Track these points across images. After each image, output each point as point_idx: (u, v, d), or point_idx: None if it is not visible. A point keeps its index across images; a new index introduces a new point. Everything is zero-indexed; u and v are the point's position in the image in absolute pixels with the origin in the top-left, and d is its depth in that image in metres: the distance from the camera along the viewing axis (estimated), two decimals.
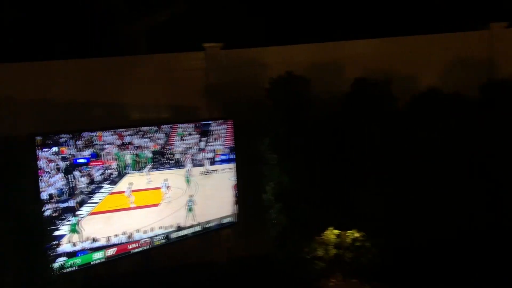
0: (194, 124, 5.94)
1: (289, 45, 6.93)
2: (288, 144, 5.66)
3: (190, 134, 5.95)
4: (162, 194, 5.64)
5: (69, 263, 4.67)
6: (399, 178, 5.88)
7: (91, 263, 4.96)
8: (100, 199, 5.16)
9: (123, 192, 5.36)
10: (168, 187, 5.70)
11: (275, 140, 5.73)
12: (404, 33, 7.07)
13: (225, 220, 6.17)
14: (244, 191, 6.33)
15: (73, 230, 4.89)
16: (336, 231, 6.03)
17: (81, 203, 4.98)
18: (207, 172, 6.08)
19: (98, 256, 5.01)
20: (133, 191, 5.42)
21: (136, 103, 6.59)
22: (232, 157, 6.23)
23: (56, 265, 4.24)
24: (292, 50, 6.92)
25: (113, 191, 5.29)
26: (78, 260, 4.82)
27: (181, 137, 5.87)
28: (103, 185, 5.19)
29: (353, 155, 5.84)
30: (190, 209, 5.84)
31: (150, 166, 5.57)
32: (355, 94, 6.00)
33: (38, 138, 4.58)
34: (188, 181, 5.89)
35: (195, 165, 5.96)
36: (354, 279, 6.02)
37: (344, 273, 6.08)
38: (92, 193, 5.09)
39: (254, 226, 6.47)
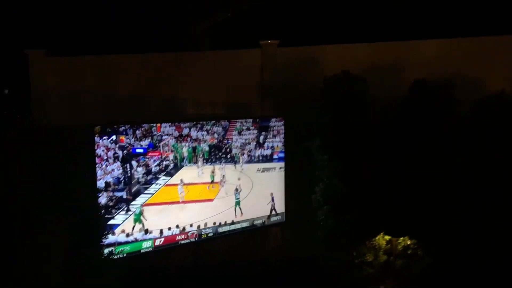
0: (251, 120, 5.96)
1: (347, 43, 6.78)
2: (340, 145, 5.51)
3: (248, 129, 5.95)
4: (217, 189, 5.71)
5: (119, 249, 4.82)
6: (460, 187, 5.56)
7: (141, 251, 5.09)
8: (155, 191, 5.27)
9: (178, 184, 5.44)
10: (223, 182, 5.75)
11: (327, 140, 5.60)
12: (470, 34, 6.70)
13: (273, 219, 6.14)
14: (294, 191, 6.27)
15: (137, 219, 5.05)
16: (387, 237, 5.82)
17: (137, 194, 5.10)
18: (263, 170, 6.07)
19: (147, 245, 5.14)
20: (188, 184, 5.50)
21: (193, 97, 6.71)
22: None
23: (106, 250, 4.37)
24: (350, 49, 6.77)
25: (168, 183, 5.38)
26: (127, 248, 4.96)
27: (239, 131, 5.89)
28: (159, 176, 5.29)
29: (410, 160, 5.59)
30: (237, 203, 5.86)
31: (206, 160, 5.62)
32: (414, 96, 5.75)
33: (97, 127, 4.75)
34: (242, 176, 5.91)
35: (251, 161, 5.97)
36: None
37: (394, 281, 5.86)
38: (147, 183, 5.20)
39: (302, 226, 6.40)
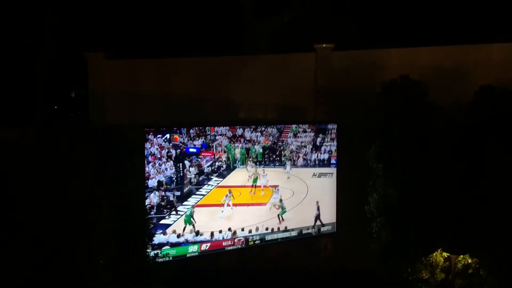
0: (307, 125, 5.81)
1: (406, 47, 6.45)
2: (398, 154, 5.20)
3: (304, 131, 5.78)
4: (270, 193, 5.61)
5: (164, 253, 4.80)
6: None
7: (187, 255, 5.07)
8: (207, 192, 5.24)
9: (230, 186, 5.40)
10: (276, 187, 5.63)
11: (383, 148, 5.31)
12: None
13: (324, 229, 5.92)
14: (347, 200, 6.02)
15: (187, 221, 5.05)
16: (446, 254, 5.42)
17: (189, 194, 5.09)
18: (319, 175, 5.89)
19: (193, 249, 5.11)
20: (240, 186, 5.46)
21: (247, 101, 6.65)
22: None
23: (151, 253, 4.36)
24: (410, 52, 6.45)
25: (220, 184, 5.33)
26: (173, 251, 4.95)
27: (295, 134, 5.73)
28: (211, 177, 5.26)
29: (475, 172, 5.18)
30: (283, 212, 5.73)
31: (259, 162, 5.53)
32: (479, 103, 5.33)
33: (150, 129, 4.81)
34: (295, 181, 5.77)
35: (307, 165, 5.81)
36: None
37: None
38: (199, 184, 5.18)
39: (354, 238, 6.13)
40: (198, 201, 5.16)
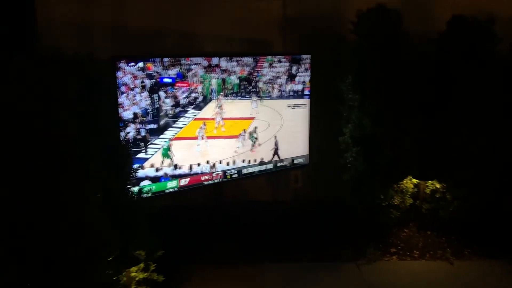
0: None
1: None
2: (373, 84, 5.21)
3: (280, 61, 5.63)
4: (245, 125, 5.49)
5: (147, 188, 4.63)
6: (495, 130, 5.34)
7: (165, 191, 4.92)
8: (184, 124, 5.05)
9: (207, 118, 5.23)
10: (251, 118, 5.53)
11: (359, 79, 5.29)
12: None
13: (297, 161, 5.94)
14: (320, 132, 6.04)
15: (165, 154, 4.86)
16: (415, 181, 5.67)
17: (165, 127, 4.88)
18: (293, 106, 5.83)
19: (172, 185, 4.96)
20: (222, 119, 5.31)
21: (209, 34, 6.28)
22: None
23: (135, 189, 4.16)
24: None
25: (197, 117, 5.14)
26: (153, 187, 4.79)
27: (270, 63, 5.57)
28: (187, 109, 5.05)
29: (445, 101, 5.33)
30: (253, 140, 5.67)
31: (236, 93, 5.37)
32: (451, 33, 5.40)
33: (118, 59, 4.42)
34: (271, 113, 5.70)
35: (282, 97, 5.71)
36: (429, 232, 5.72)
37: (419, 225, 5.78)
38: (176, 116, 4.97)
39: (324, 169, 6.22)
40: (175, 134, 4.98)
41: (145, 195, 4.56)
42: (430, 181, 5.67)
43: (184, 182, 5.03)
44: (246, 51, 5.98)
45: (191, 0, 6.20)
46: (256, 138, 5.59)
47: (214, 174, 5.25)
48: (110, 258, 3.45)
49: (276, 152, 5.79)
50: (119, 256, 3.51)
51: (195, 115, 5.11)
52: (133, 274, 3.79)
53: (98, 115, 3.74)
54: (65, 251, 2.88)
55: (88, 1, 6.08)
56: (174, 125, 4.95)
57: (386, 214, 5.61)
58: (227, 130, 5.37)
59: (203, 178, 5.18)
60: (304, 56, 5.72)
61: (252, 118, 5.56)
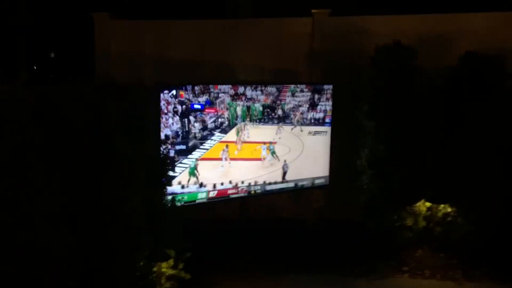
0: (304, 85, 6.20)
1: (397, 14, 6.87)
2: (387, 112, 5.70)
3: (302, 91, 6.16)
4: (267, 149, 6.01)
5: (179, 198, 5.24)
6: (505, 158, 5.67)
7: (196, 201, 5.53)
8: (210, 146, 5.59)
9: (232, 142, 5.77)
10: (273, 143, 6.03)
11: (374, 107, 5.80)
12: None
13: (317, 181, 6.44)
14: (338, 155, 6.54)
15: (191, 173, 5.44)
16: (428, 204, 6.03)
17: (193, 148, 5.46)
18: (314, 133, 6.34)
19: (202, 196, 5.56)
20: (241, 142, 5.82)
21: (243, 64, 7.01)
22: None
23: (169, 197, 4.78)
24: (400, 20, 6.86)
25: (223, 139, 5.69)
26: (185, 197, 5.40)
27: (293, 93, 6.12)
28: (214, 132, 5.60)
29: (457, 129, 5.73)
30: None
31: (259, 119, 5.89)
32: (463, 67, 5.83)
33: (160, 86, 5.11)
34: (292, 138, 6.18)
35: (303, 124, 6.24)
36: (442, 254, 6.02)
37: (431, 247, 6.10)
38: (203, 139, 5.53)
39: (344, 191, 6.68)
40: (202, 154, 5.52)
41: (178, 204, 5.14)
42: (442, 205, 6.00)
43: (212, 194, 5.62)
44: (271, 80, 6.65)
45: (226, 34, 6.98)
46: (275, 153, 6.11)
47: (240, 189, 5.83)
48: (146, 253, 4.06)
49: (284, 175, 6.24)
50: (152, 251, 4.13)
51: (220, 138, 5.67)
52: (163, 269, 4.39)
53: (143, 131, 4.41)
54: (109, 242, 3.52)
55: (138, 37, 6.97)
56: (201, 147, 5.52)
57: (400, 234, 5.98)
58: (250, 153, 5.93)
59: (230, 191, 5.77)
60: (326, 87, 6.29)
61: (274, 143, 6.11)
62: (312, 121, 6.32)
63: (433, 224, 6.09)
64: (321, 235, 6.64)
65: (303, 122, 6.24)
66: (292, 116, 6.16)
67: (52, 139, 3.15)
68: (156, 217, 4.18)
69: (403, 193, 5.83)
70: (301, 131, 6.26)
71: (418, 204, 6.04)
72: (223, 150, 5.71)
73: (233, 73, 6.96)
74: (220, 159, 5.70)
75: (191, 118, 5.40)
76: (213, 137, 5.61)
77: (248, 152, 5.92)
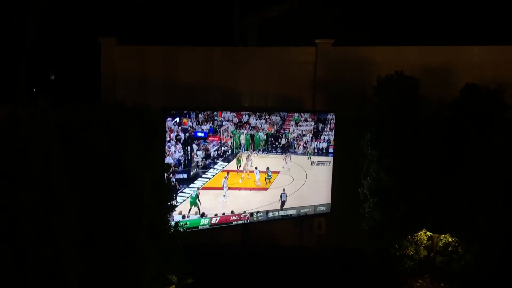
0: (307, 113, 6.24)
1: (399, 45, 7.04)
2: (390, 141, 5.78)
3: (306, 121, 6.19)
4: (270, 178, 5.97)
5: (182, 223, 5.25)
6: (506, 190, 5.73)
7: (198, 227, 5.53)
8: (213, 175, 5.52)
9: (235, 171, 5.72)
10: (277, 172, 6.01)
11: (378, 136, 5.88)
12: None
13: (319, 209, 6.47)
14: (341, 184, 6.59)
15: (193, 202, 5.36)
16: (429, 233, 6.06)
17: (195, 177, 5.36)
18: (318, 163, 6.33)
19: (204, 222, 5.56)
20: (244, 171, 5.76)
21: (248, 90, 7.13)
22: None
23: (172, 223, 4.78)
24: (402, 50, 7.02)
25: (226, 168, 5.64)
26: (187, 223, 5.39)
27: (297, 122, 6.14)
28: (217, 161, 5.55)
29: (458, 161, 5.80)
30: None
31: (263, 149, 5.88)
32: (464, 99, 5.95)
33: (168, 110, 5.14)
34: (295, 168, 6.17)
35: (306, 153, 6.25)
36: (442, 284, 6.02)
37: (432, 276, 6.10)
38: (206, 167, 5.46)
39: (346, 218, 6.72)
40: (204, 183, 5.45)
41: (181, 229, 5.14)
42: (443, 235, 6.03)
43: (215, 220, 5.63)
44: (275, 107, 6.76)
45: (233, 61, 7.12)
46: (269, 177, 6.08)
47: (242, 215, 5.85)
48: (150, 278, 4.06)
49: (282, 204, 6.23)
50: (156, 276, 4.13)
51: (223, 167, 5.62)
52: None
53: (150, 154, 4.45)
54: (118, 263, 3.53)
55: (144, 62, 7.09)
56: (204, 176, 5.45)
57: (401, 263, 5.99)
58: (253, 182, 5.88)
59: (232, 218, 5.78)
60: (329, 116, 6.38)
61: (277, 172, 6.11)
62: (316, 151, 6.37)
63: (434, 254, 6.11)
64: (323, 262, 6.65)
65: (306, 152, 6.28)
66: (295, 145, 6.20)
67: (74, 161, 3.21)
68: (160, 241, 4.18)
69: (404, 221, 5.86)
70: (311, 163, 6.31)
71: (419, 233, 6.07)
72: (224, 178, 5.65)
73: (238, 99, 7.07)
74: (222, 188, 5.65)
75: (194, 146, 5.35)
76: (215, 166, 5.56)
77: (252, 181, 5.92)
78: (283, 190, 6.17)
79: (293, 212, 6.27)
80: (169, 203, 4.70)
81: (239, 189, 5.82)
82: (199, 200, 5.46)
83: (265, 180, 6.02)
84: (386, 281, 5.99)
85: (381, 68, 6.40)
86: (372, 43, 7.28)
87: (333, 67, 6.98)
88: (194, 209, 5.45)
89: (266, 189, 6.02)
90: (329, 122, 6.38)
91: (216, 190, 5.61)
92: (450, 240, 6.02)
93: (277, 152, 6.09)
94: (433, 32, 9.47)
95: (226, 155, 5.66)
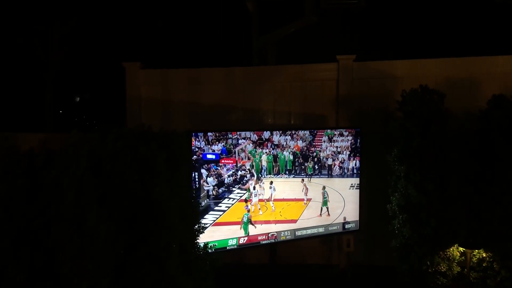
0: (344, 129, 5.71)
1: (422, 58, 6.98)
2: (417, 157, 5.69)
3: (341, 135, 5.32)
4: (302, 207, 5.32)
5: (211, 244, 5.18)
6: None
7: (227, 247, 5.47)
8: (227, 207, 4.70)
9: (259, 200, 5.00)
10: (308, 200, 5.29)
11: (405, 151, 5.80)
12: None
13: (348, 226, 6.39)
14: (369, 200, 6.51)
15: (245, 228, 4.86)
16: (461, 249, 5.91)
17: (205, 210, 4.47)
18: (357, 187, 5.81)
19: (232, 242, 5.48)
20: (269, 200, 5.12)
21: (270, 108, 7.14)
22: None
23: (201, 244, 4.77)
24: (424, 64, 6.96)
25: (244, 197, 4.83)
26: (216, 243, 5.28)
27: (330, 137, 5.29)
28: (233, 189, 4.69)
29: (487, 173, 5.68)
30: (325, 203, 5.79)
31: (289, 171, 5.08)
32: (491, 111, 5.84)
33: (194, 134, 4.99)
34: (332, 193, 5.60)
35: (343, 175, 5.50)
36: None
37: None
38: (219, 198, 4.59)
39: (375, 235, 6.61)
40: (217, 218, 4.65)
41: (209, 250, 5.11)
42: (476, 250, 5.87)
43: (243, 240, 5.59)
44: (298, 125, 6.73)
45: (254, 80, 7.16)
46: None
47: (270, 235, 5.80)
48: None
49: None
50: None
51: (241, 196, 4.73)
52: None
53: (177, 179, 4.47)
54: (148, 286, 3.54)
55: (167, 84, 7.20)
56: (217, 208, 4.58)
57: (433, 280, 5.83)
58: (279, 214, 5.12)
59: (260, 237, 5.74)
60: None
61: (309, 200, 5.50)
62: (355, 171, 5.78)
63: (468, 270, 5.94)
64: (352, 280, 6.52)
65: (343, 173, 5.75)
66: (329, 165, 5.55)
67: (105, 192, 3.26)
68: (190, 266, 4.18)
69: (435, 237, 5.73)
70: (340, 183, 5.85)
71: (451, 248, 5.92)
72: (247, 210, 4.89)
73: (261, 118, 7.08)
74: (240, 223, 4.90)
75: (203, 171, 4.49)
76: (231, 195, 4.68)
77: (281, 211, 5.27)
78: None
79: (321, 230, 6.20)
80: (197, 226, 4.69)
81: (263, 222, 5.21)
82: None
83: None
84: None
85: (404, 82, 6.36)
86: (393, 57, 7.23)
87: (355, 83, 6.95)
88: None
89: (295, 220, 5.60)
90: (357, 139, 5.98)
91: (233, 226, 4.84)
92: (484, 255, 5.85)
93: (307, 175, 5.37)
94: (455, 44, 9.39)
95: (244, 181, 4.82)
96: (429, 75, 6.63)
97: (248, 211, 4.90)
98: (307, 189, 5.44)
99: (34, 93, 12.68)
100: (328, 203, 5.70)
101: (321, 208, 5.77)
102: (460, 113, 6.00)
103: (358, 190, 6.22)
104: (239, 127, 5.71)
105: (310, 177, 5.45)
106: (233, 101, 7.13)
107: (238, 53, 10.69)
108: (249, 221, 4.84)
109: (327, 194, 5.69)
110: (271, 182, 5.05)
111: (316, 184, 5.59)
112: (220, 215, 4.62)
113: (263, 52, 10.45)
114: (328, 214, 5.79)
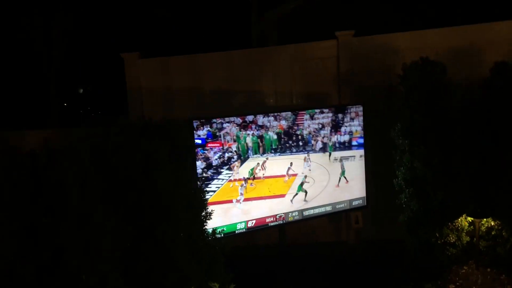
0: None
1: (422, 29, 6.88)
2: (421, 130, 5.66)
3: (322, 112, 5.59)
4: (288, 182, 5.58)
5: (219, 229, 5.18)
6: None
7: (235, 231, 5.55)
8: (217, 187, 4.90)
9: (242, 179, 5.17)
10: (293, 174, 5.53)
11: (408, 125, 5.77)
12: None
13: (355, 203, 6.41)
14: (374, 176, 6.51)
15: None
16: (470, 218, 5.92)
17: None
18: (341, 159, 6.04)
19: (241, 226, 5.57)
20: (257, 178, 5.28)
21: (272, 90, 7.12)
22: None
23: (209, 230, 4.82)
24: (425, 35, 6.86)
25: (232, 178, 5.00)
26: (224, 228, 5.37)
27: (311, 115, 5.49)
28: (221, 170, 4.88)
29: (494, 142, 5.65)
30: (343, 173, 6.00)
31: (275, 149, 5.32)
32: (495, 78, 5.77)
33: (195, 122, 5.04)
34: (316, 167, 5.83)
35: (325, 150, 5.88)
36: (488, 269, 5.87)
37: (477, 262, 5.96)
38: (208, 180, 4.85)
39: (383, 210, 6.64)
40: (208, 198, 4.92)
41: (218, 235, 5.18)
42: (485, 219, 5.88)
43: (251, 223, 5.66)
44: (301, 105, 6.72)
45: (254, 62, 7.12)
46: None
47: (277, 216, 5.85)
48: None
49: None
50: (199, 286, 4.20)
51: (229, 177, 4.94)
52: None
53: (182, 169, 4.52)
54: (160, 281, 3.61)
55: (166, 72, 7.19)
56: (207, 189, 4.87)
57: (443, 251, 5.87)
58: (268, 190, 5.38)
59: (268, 220, 5.80)
60: (354, 108, 6.15)
61: (295, 175, 5.70)
62: (337, 145, 6.01)
63: (477, 239, 5.97)
64: (363, 256, 6.58)
65: (325, 148, 5.90)
66: (313, 142, 5.74)
67: (110, 186, 3.31)
68: (199, 253, 4.25)
69: (443, 210, 5.74)
70: (335, 159, 6.02)
71: (459, 219, 5.93)
72: (241, 186, 5.12)
73: (263, 100, 7.08)
74: (231, 201, 5.13)
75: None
76: (220, 176, 4.89)
77: (266, 189, 5.45)
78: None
79: (329, 208, 6.23)
80: (204, 213, 4.73)
81: (253, 199, 5.42)
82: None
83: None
84: (430, 270, 5.87)
85: (405, 55, 6.28)
86: (392, 30, 7.12)
87: (356, 59, 6.89)
88: None
89: (284, 195, 5.75)
90: (348, 111, 5.98)
91: (224, 204, 5.08)
92: (492, 224, 5.87)
93: (291, 152, 5.56)
94: (454, 12, 9.21)
95: (231, 162, 5.04)
96: (430, 46, 6.53)
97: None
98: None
99: (38, 88, 12.77)
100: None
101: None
102: (463, 83, 5.92)
103: (364, 167, 6.27)
104: (244, 111, 5.73)
105: (330, 153, 5.92)
106: (234, 85, 7.11)
107: (238, 38, 10.62)
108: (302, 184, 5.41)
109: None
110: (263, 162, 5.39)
111: (333, 159, 6.08)
112: (211, 195, 4.97)
113: (263, 36, 10.39)
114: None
